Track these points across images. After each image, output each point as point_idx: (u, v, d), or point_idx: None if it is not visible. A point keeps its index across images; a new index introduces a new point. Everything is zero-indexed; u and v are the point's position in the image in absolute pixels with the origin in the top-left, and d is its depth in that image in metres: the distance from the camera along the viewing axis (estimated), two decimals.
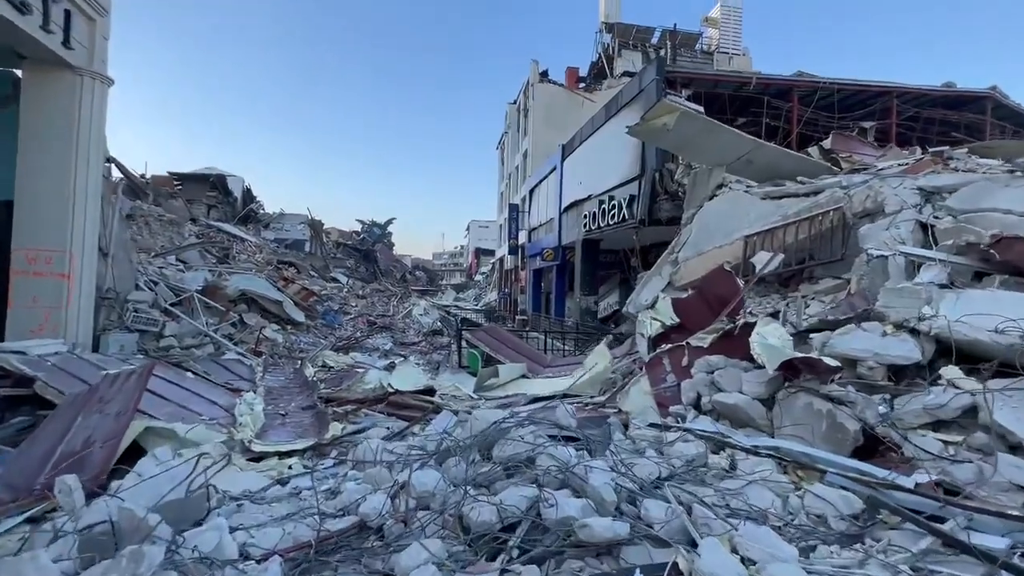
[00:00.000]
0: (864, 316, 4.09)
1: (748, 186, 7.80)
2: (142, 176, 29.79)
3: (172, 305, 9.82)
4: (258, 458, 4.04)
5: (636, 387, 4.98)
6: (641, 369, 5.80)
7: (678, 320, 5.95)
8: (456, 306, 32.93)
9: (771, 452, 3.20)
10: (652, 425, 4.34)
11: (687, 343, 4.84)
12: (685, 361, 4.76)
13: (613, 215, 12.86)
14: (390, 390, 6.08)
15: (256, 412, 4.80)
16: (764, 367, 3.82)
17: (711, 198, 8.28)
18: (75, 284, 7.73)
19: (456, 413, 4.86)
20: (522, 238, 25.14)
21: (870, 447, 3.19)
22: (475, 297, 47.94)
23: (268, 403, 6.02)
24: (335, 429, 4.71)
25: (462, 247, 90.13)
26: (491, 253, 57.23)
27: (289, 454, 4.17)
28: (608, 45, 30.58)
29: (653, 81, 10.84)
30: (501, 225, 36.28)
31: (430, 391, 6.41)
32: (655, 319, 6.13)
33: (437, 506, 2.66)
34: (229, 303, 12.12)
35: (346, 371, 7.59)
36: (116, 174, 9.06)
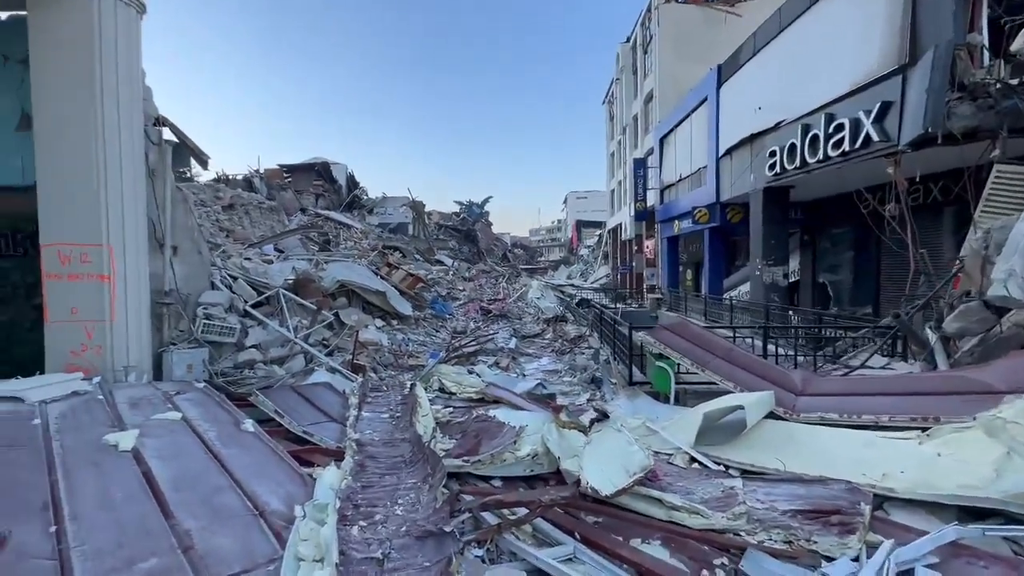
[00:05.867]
0: None
1: None
2: (256, 171, 30.47)
3: (253, 306, 7.74)
4: None
5: None
6: None
7: None
8: (572, 285, 29.60)
9: None
10: None
11: None
12: None
13: (838, 142, 8.48)
14: (584, 485, 2.95)
15: None
16: None
17: None
18: (119, 287, 5.71)
19: None
20: (651, 199, 20.84)
21: None
22: (581, 273, 44.35)
23: (358, 496, 3.22)
24: None
25: (559, 221, 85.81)
26: (595, 225, 52.77)
27: None
28: None
29: None
30: (613, 190, 31.90)
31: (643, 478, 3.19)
32: None
33: None
34: (326, 297, 10.03)
35: (484, 415, 4.64)
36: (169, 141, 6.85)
